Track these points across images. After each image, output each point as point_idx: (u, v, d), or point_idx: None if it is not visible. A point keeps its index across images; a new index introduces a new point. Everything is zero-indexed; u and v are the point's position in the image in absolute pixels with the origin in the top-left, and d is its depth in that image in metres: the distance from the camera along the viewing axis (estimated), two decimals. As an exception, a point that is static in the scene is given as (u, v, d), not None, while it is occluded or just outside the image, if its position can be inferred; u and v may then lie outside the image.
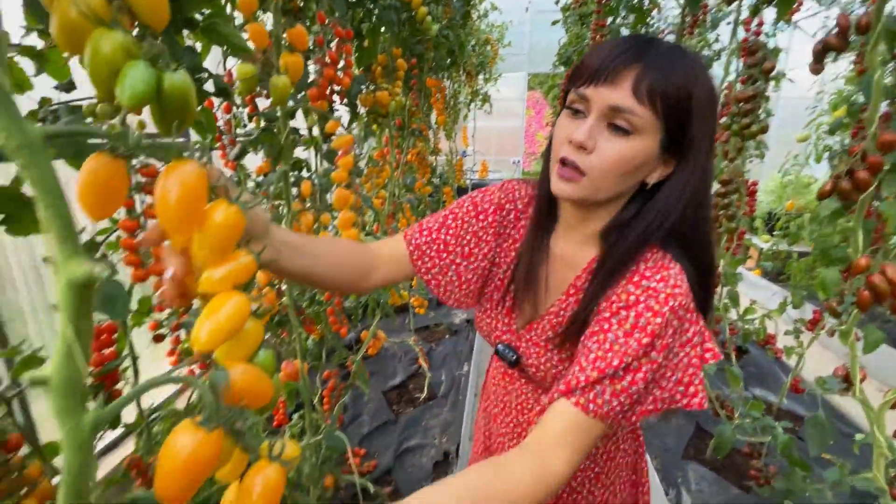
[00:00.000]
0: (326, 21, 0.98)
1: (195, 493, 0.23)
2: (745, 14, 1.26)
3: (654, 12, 2.07)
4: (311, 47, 0.95)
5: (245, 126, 1.33)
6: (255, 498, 0.25)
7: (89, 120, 0.70)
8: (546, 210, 0.66)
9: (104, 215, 0.25)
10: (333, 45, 1.08)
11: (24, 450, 0.74)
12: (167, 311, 1.15)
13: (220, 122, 1.26)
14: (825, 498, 1.07)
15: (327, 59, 0.99)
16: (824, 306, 0.98)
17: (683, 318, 0.54)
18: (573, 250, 0.66)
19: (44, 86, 0.78)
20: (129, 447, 1.41)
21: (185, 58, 0.69)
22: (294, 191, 1.00)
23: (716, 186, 1.42)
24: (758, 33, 1.29)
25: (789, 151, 4.30)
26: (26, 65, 0.72)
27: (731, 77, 1.36)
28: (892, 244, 0.81)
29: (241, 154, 1.06)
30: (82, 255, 0.21)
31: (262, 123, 1.07)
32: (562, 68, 3.37)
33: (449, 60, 2.39)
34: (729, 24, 1.43)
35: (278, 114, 0.93)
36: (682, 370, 0.56)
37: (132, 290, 0.91)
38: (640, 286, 0.55)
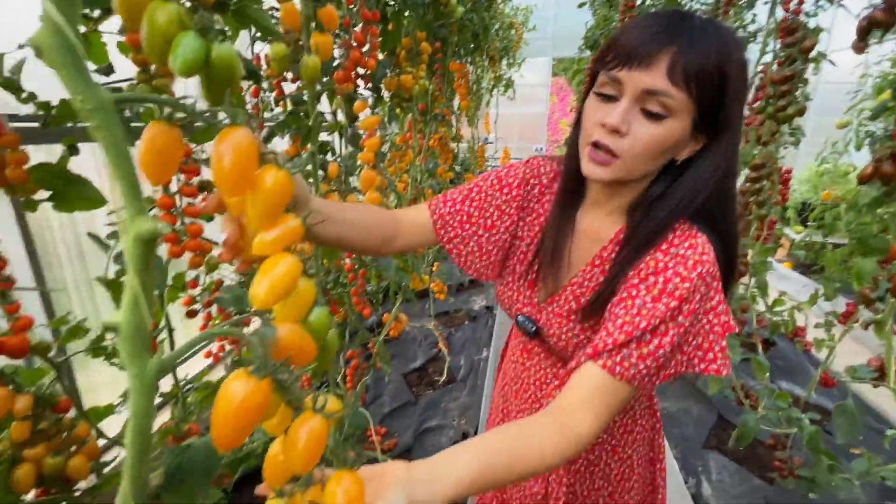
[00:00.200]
0: (353, 3, 0.99)
1: (246, 437, 0.25)
2: (784, -9, 1.20)
3: (687, -8, 1.99)
4: (338, 30, 0.96)
5: (272, 110, 1.36)
6: (300, 447, 0.27)
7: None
8: (573, 188, 0.67)
9: (162, 180, 0.27)
10: (359, 27, 1.09)
11: (71, 413, 0.79)
12: (199, 287, 1.20)
13: (248, 106, 1.29)
14: (852, 490, 1.05)
15: (353, 42, 0.99)
16: (858, 295, 0.95)
17: (710, 286, 0.55)
18: (598, 224, 0.66)
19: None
20: (164, 416, 1.48)
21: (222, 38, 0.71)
22: (320, 173, 1.02)
23: (746, 171, 1.38)
24: (797, 12, 1.23)
25: (827, 138, 4.11)
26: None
27: (768, 58, 1.31)
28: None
29: (269, 137, 1.08)
30: (147, 213, 0.23)
31: (289, 107, 1.09)
32: (588, 52, 3.29)
33: (473, 44, 2.36)
34: (766, 2, 1.37)
35: (305, 97, 0.94)
36: (703, 336, 0.56)
37: (168, 266, 0.95)
38: (668, 253, 0.56)
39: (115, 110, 0.21)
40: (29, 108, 0.79)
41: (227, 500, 1.40)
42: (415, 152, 1.80)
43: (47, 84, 0.80)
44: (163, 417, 1.57)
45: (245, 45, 1.11)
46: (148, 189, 1.09)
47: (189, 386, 1.19)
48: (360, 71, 1.05)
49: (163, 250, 0.96)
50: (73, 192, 0.81)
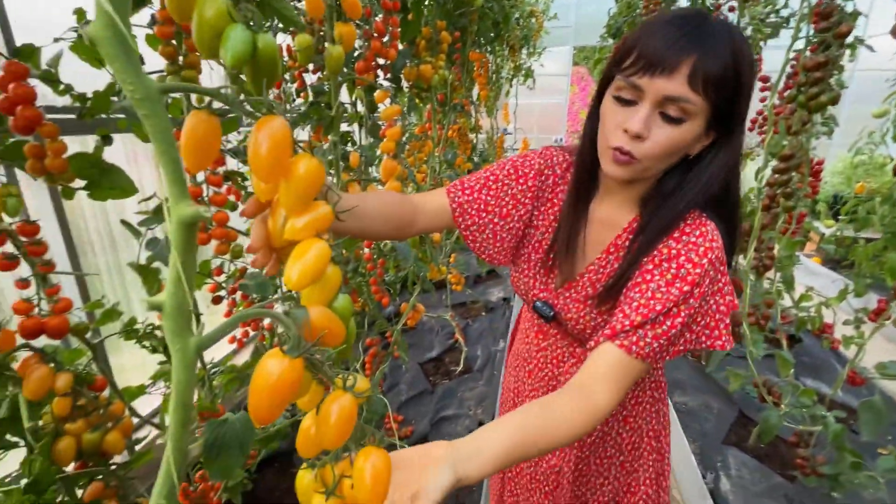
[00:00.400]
0: (375, -7, 0.99)
1: (281, 412, 0.27)
2: (820, -26, 1.15)
3: (716, -24, 1.93)
4: (358, 20, 0.96)
5: (294, 101, 1.37)
6: (332, 422, 0.28)
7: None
8: (587, 179, 0.70)
9: (202, 167, 0.28)
10: (379, 17, 1.09)
11: (106, 392, 0.83)
12: (224, 275, 1.24)
13: (271, 97, 1.31)
14: (878, 488, 1.03)
15: (374, 32, 1.00)
16: (892, 291, 0.92)
17: (718, 270, 0.60)
18: (612, 212, 0.70)
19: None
20: (191, 400, 1.53)
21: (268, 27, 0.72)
22: (341, 164, 1.03)
23: (774, 162, 1.34)
24: (833, -5, 1.18)
25: (863, 128, 3.94)
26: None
27: (801, 44, 1.26)
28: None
29: (291, 128, 1.10)
30: (189, 198, 0.24)
31: (310, 98, 1.10)
32: (610, 41, 3.21)
33: (493, 34, 2.33)
34: (800, -15, 1.32)
35: (326, 87, 0.96)
36: (710, 315, 0.62)
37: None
38: (680, 241, 0.60)
39: (161, 99, 0.23)
40: (64, 100, 0.83)
41: (250, 480, 1.45)
42: (434, 142, 1.80)
43: (81, 76, 0.83)
44: (190, 399, 1.62)
45: (268, 36, 1.13)
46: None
47: (215, 369, 1.24)
48: (381, 61, 1.05)
49: (191, 238, 0.99)
50: (106, 181, 0.84)
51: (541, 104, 6.45)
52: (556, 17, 4.27)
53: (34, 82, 0.70)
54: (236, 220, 1.07)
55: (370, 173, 1.16)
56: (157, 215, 0.95)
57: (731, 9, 1.94)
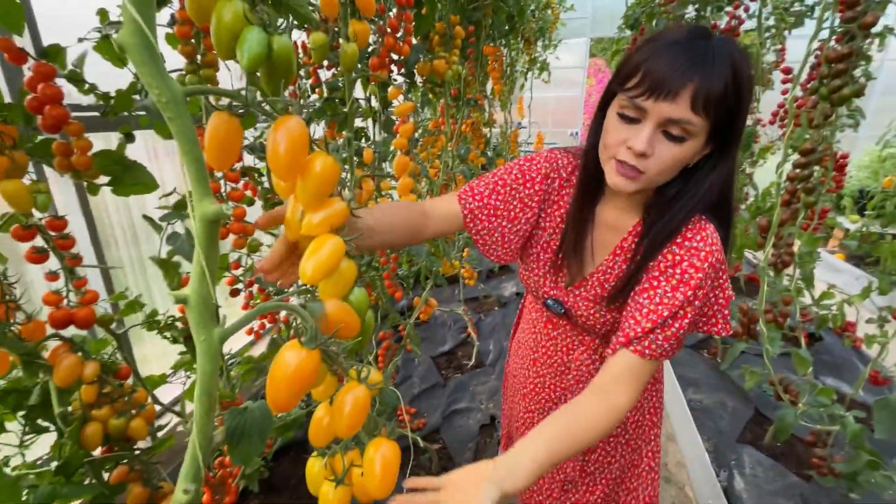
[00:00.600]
0: (388, -11, 0.99)
1: (298, 401, 0.28)
2: (846, -39, 1.11)
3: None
4: (373, 16, 0.97)
5: (309, 97, 1.39)
6: (346, 412, 0.30)
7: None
8: (591, 185, 0.72)
9: (225, 165, 0.29)
10: (393, 13, 1.09)
11: (130, 381, 0.87)
12: (242, 268, 1.26)
13: (286, 94, 1.33)
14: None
15: (387, 28, 1.00)
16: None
17: (718, 269, 0.65)
18: (617, 215, 0.73)
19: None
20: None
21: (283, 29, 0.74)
22: (355, 159, 1.04)
23: (795, 157, 1.31)
24: (860, -17, 1.14)
25: (892, 120, 3.81)
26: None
27: (826, 34, 1.22)
28: None
29: (306, 124, 1.11)
30: (212, 196, 0.25)
31: (325, 94, 1.11)
32: (628, 32, 3.15)
33: (507, 27, 2.31)
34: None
35: (340, 84, 0.97)
36: (709, 307, 0.69)
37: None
38: (683, 246, 0.65)
39: (185, 102, 0.24)
40: (89, 98, 0.85)
41: (266, 468, 1.49)
42: (447, 137, 1.80)
43: (104, 75, 0.85)
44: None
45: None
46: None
47: (233, 360, 1.27)
48: (394, 57, 1.06)
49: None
50: (129, 178, 0.87)
51: (556, 97, 6.38)
52: (572, 8, 4.21)
53: (60, 82, 0.73)
54: (253, 215, 1.09)
55: (384, 169, 1.17)
56: (177, 210, 0.97)
57: (753, -2, 1.89)
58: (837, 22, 1.16)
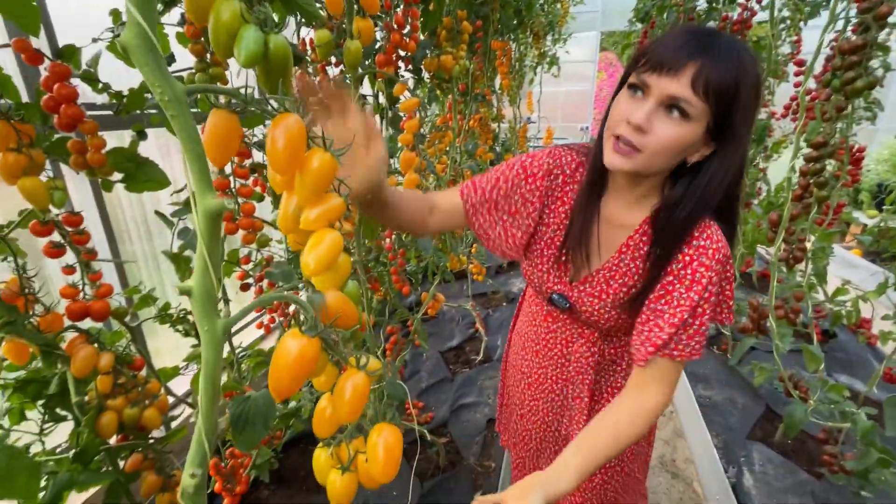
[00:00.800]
0: (394, -15, 1.00)
1: (299, 387, 0.29)
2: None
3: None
4: (379, 13, 0.98)
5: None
6: (346, 398, 0.31)
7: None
8: (598, 179, 0.73)
9: (224, 161, 0.30)
10: (400, 9, 1.10)
11: (144, 372, 0.89)
12: (252, 263, 1.29)
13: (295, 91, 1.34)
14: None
15: (394, 24, 1.01)
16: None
17: (726, 264, 0.67)
18: (622, 212, 0.74)
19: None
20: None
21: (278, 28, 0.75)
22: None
23: (806, 150, 1.29)
24: (877, -28, 1.11)
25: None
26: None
27: (839, 25, 1.20)
28: None
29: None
30: (214, 191, 0.26)
31: (334, 90, 1.12)
32: (639, 25, 3.11)
33: (515, 21, 2.30)
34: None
35: (348, 80, 0.97)
36: (718, 301, 0.70)
37: (224, 242, 1.03)
38: (692, 246, 0.67)
39: (186, 100, 0.25)
40: (102, 97, 0.87)
41: (276, 460, 1.52)
42: (455, 133, 1.81)
43: (117, 74, 0.87)
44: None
45: (291, 31, 1.15)
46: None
47: (243, 353, 1.29)
48: (401, 53, 1.06)
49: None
50: (142, 174, 0.89)
51: (566, 92, 6.33)
52: (582, 1, 4.16)
53: (75, 81, 0.75)
54: (262, 211, 1.11)
55: (391, 165, 1.18)
56: (188, 206, 0.99)
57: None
58: (854, 12, 1.13)
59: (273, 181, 0.34)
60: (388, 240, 1.53)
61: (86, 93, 0.84)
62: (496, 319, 2.57)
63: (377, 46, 1.05)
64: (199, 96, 0.93)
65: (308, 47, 1.32)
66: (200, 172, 0.26)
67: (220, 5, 0.27)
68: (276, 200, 1.15)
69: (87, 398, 0.76)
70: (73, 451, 0.74)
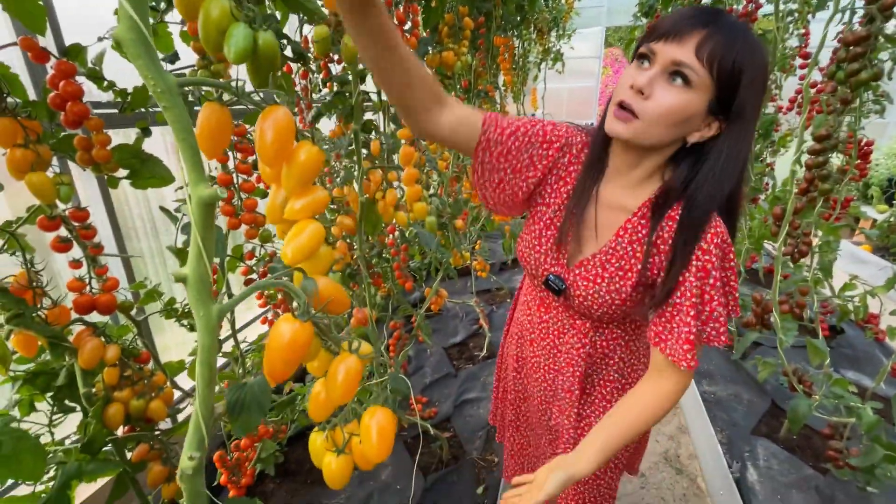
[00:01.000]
0: (395, -19, 1.00)
1: (293, 371, 0.30)
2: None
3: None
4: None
5: (320, 91, 1.41)
6: (339, 381, 0.32)
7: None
8: (598, 155, 0.73)
9: (216, 153, 0.31)
10: (401, 6, 1.10)
11: (150, 365, 0.91)
12: (255, 258, 1.30)
13: (298, 89, 1.35)
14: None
15: (395, 21, 1.01)
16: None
17: (724, 249, 0.67)
18: (620, 196, 0.73)
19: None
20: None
21: (267, 25, 0.76)
22: (364, 151, 1.06)
23: (810, 143, 1.28)
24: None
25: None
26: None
27: (845, 17, 1.19)
28: None
29: (317, 117, 1.13)
30: (207, 181, 0.27)
31: (336, 88, 1.13)
32: (643, 20, 3.09)
33: (518, 17, 2.30)
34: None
35: (350, 77, 0.98)
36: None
37: (228, 236, 1.04)
38: None
39: (179, 93, 0.25)
40: (107, 95, 0.89)
41: (281, 453, 1.54)
42: (457, 130, 1.81)
43: (122, 73, 0.89)
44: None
45: (294, 28, 1.16)
46: (209, 168, 1.18)
47: (248, 348, 1.31)
48: (402, 49, 1.07)
49: (222, 223, 1.05)
50: (146, 171, 0.90)
51: (570, 88, 6.29)
52: (586, -4, 4.13)
53: (80, 79, 0.76)
54: (265, 207, 1.11)
55: (394, 160, 1.18)
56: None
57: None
58: (861, 3, 1.12)
59: (263, 173, 0.35)
60: (390, 235, 1.54)
61: (91, 90, 0.86)
62: (500, 316, 2.57)
63: (378, 43, 1.05)
64: (203, 92, 0.94)
65: (311, 44, 1.33)
66: (193, 163, 0.27)
67: (209, 3, 0.28)
68: (279, 197, 1.16)
69: (94, 390, 0.78)
70: (82, 441, 0.75)
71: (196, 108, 0.97)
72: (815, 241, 1.52)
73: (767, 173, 2.49)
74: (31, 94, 0.73)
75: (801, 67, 1.88)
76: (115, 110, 0.90)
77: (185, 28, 0.86)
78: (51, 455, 0.76)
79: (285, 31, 0.86)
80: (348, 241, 1.16)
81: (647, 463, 1.84)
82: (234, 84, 0.28)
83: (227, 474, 1.31)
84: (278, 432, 1.50)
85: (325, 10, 0.88)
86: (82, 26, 1.18)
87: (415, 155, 0.91)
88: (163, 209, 0.95)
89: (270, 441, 1.44)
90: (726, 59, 0.58)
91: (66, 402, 0.79)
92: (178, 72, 0.97)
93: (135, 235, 1.40)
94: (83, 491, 1.24)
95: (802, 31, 2.40)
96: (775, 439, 1.67)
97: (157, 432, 0.86)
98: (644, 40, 0.64)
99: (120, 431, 0.82)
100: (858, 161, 1.69)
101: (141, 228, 1.42)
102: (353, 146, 0.99)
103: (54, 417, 0.80)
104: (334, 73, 1.28)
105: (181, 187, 0.97)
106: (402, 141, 0.94)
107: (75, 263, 0.79)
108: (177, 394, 0.98)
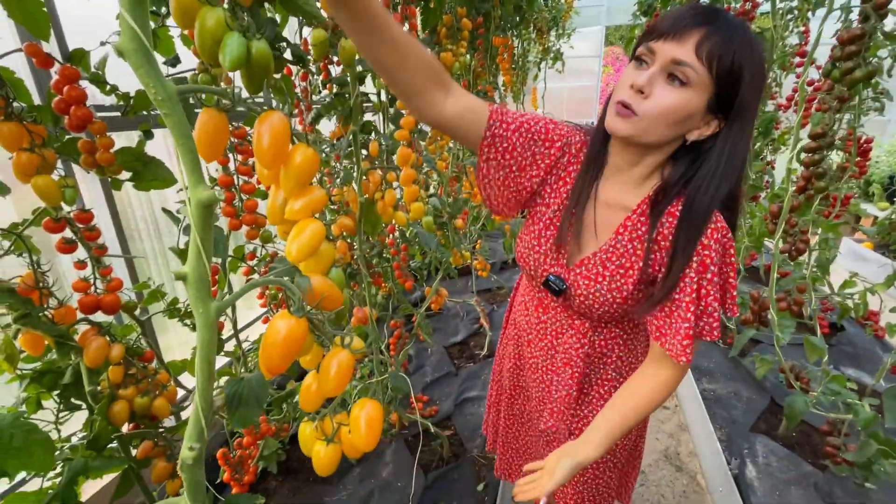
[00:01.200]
0: (392, -17, 1.01)
1: (288, 365, 0.31)
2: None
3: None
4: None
5: (320, 93, 1.42)
6: (332, 374, 0.33)
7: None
8: (597, 153, 0.73)
9: (214, 156, 0.32)
10: (399, 8, 1.11)
11: (154, 364, 0.92)
12: (256, 259, 1.32)
13: (298, 90, 1.37)
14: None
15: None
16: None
17: (725, 245, 0.67)
18: (619, 194, 0.73)
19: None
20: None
21: (267, 28, 0.77)
22: (363, 152, 1.07)
23: (805, 141, 1.28)
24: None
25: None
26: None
27: (841, 15, 1.19)
28: None
29: (317, 119, 1.15)
30: (205, 183, 0.29)
31: (335, 90, 1.15)
32: (643, 19, 3.09)
33: (517, 17, 2.31)
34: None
35: (349, 79, 0.99)
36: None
37: (229, 237, 1.06)
38: None
39: (178, 99, 0.27)
40: (110, 99, 0.90)
41: (283, 451, 1.55)
42: (456, 130, 1.82)
43: (125, 76, 0.90)
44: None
45: (294, 31, 1.18)
46: (208, 171, 1.20)
47: (250, 347, 1.33)
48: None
49: (224, 224, 1.07)
50: (149, 173, 0.92)
51: (570, 87, 6.29)
52: (586, -5, 4.14)
53: (84, 84, 0.78)
54: (265, 208, 1.13)
55: (392, 161, 1.19)
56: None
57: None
58: (858, 1, 1.12)
59: (261, 175, 0.37)
60: (390, 235, 1.55)
61: (94, 95, 0.87)
62: (500, 315, 2.58)
63: (376, 45, 1.06)
64: (203, 98, 0.96)
65: (310, 47, 1.34)
66: (192, 166, 0.28)
67: (205, 13, 0.29)
68: (280, 197, 1.17)
69: (99, 388, 0.80)
70: (87, 438, 0.77)
71: (196, 110, 0.99)
72: (814, 239, 1.53)
73: (767, 171, 2.49)
74: (36, 99, 0.75)
75: (800, 66, 1.88)
76: (118, 113, 0.92)
77: (186, 32, 0.88)
78: (57, 452, 0.78)
79: (285, 33, 0.88)
80: (348, 240, 1.17)
81: (648, 460, 1.85)
82: (231, 90, 0.30)
83: (229, 472, 1.33)
84: (280, 430, 1.52)
85: (324, 14, 0.89)
86: (83, 27, 1.20)
87: (412, 156, 0.92)
88: (165, 211, 0.97)
89: (273, 439, 1.46)
90: (725, 58, 0.58)
91: (72, 399, 0.81)
92: (180, 75, 0.98)
93: (138, 237, 1.42)
94: (89, 488, 1.26)
95: (802, 28, 2.41)
96: (774, 436, 1.67)
97: (160, 429, 0.88)
98: (643, 39, 0.64)
99: (125, 429, 0.83)
100: (858, 158, 1.69)
101: (144, 230, 1.44)
102: (353, 147, 1.01)
103: (61, 415, 0.82)
104: (334, 74, 1.29)
105: (182, 189, 0.99)
106: (401, 142, 0.95)
107: (80, 264, 0.81)
108: (180, 392, 1.00)
